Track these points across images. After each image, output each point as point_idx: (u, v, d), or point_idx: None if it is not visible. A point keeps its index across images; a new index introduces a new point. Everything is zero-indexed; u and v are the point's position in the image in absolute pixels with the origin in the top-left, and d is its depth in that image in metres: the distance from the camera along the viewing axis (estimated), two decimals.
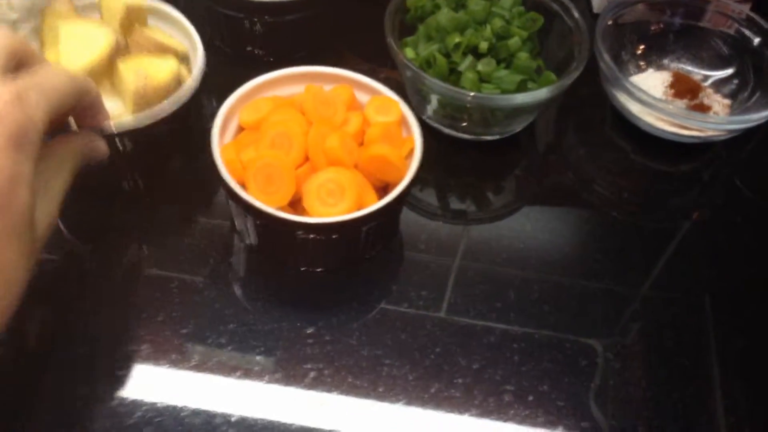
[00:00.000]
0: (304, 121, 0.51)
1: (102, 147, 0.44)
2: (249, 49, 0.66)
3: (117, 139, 0.49)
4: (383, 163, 0.49)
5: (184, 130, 0.54)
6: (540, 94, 0.55)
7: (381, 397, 0.48)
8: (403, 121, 0.53)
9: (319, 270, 0.54)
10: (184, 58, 0.53)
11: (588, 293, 0.54)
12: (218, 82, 0.56)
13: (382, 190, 0.52)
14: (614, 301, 0.54)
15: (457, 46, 0.57)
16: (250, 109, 0.53)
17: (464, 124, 0.60)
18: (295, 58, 0.58)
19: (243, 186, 0.48)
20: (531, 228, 0.59)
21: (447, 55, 0.58)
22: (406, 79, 0.59)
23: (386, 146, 0.49)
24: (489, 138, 0.63)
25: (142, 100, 0.47)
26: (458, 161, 0.63)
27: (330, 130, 0.50)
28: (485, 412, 0.47)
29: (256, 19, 0.62)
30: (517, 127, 0.62)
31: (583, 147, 0.66)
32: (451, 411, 0.47)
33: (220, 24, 0.64)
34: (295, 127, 0.50)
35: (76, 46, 0.48)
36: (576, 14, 0.61)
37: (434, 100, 0.58)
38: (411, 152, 0.51)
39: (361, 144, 0.52)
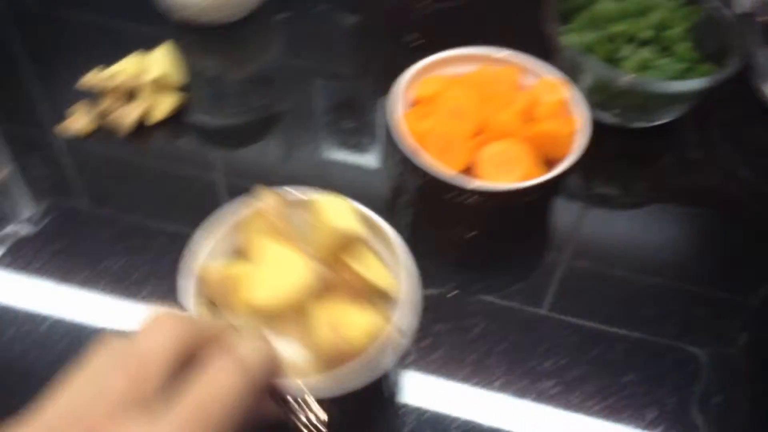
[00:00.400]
0: (478, 97, 0.54)
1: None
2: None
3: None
4: (553, 138, 0.52)
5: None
6: (698, 83, 0.57)
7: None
8: (569, 102, 0.56)
9: (473, 234, 0.57)
10: (388, 299, 0.43)
11: (700, 299, 0.54)
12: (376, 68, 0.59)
13: (545, 166, 0.55)
14: (725, 309, 0.53)
15: (620, 34, 0.59)
16: (425, 84, 0.57)
17: (616, 110, 0.63)
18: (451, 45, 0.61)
19: (419, 151, 0.52)
20: (657, 227, 0.59)
21: (608, 42, 0.60)
22: (563, 65, 0.62)
23: (556, 123, 0.52)
24: (637, 126, 0.65)
25: (329, 359, 0.39)
26: (604, 147, 0.65)
27: (502, 105, 0.54)
28: (582, 408, 0.48)
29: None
30: (668, 117, 0.64)
31: (729, 144, 0.67)
32: (548, 403, 0.48)
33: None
34: (470, 102, 0.53)
35: (273, 273, 0.39)
36: (729, 10, 0.63)
37: (590, 84, 0.61)
38: (577, 130, 0.54)
39: (529, 121, 0.55)
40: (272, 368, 0.32)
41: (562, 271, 0.55)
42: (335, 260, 0.41)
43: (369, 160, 0.62)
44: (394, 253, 0.43)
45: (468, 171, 0.53)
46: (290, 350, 0.39)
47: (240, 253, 0.43)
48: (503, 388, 0.48)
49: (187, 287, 0.40)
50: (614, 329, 0.52)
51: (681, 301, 0.54)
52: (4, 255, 0.54)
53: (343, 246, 0.40)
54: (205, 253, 0.42)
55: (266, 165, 0.62)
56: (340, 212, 0.41)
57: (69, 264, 0.54)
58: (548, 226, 0.59)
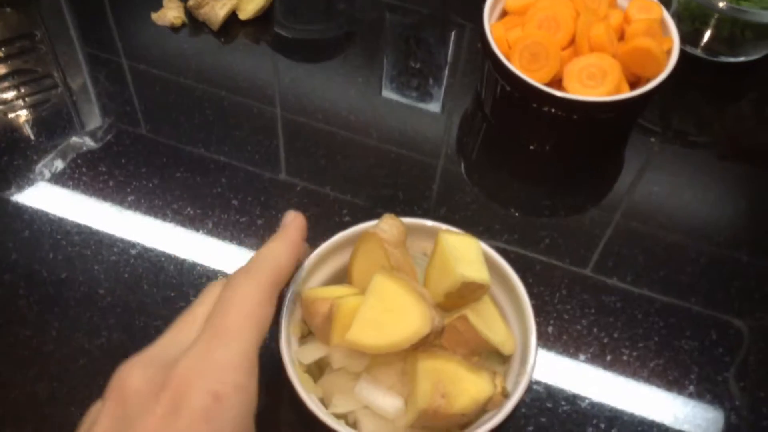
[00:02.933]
0: (572, 8, 0.54)
1: None
2: None
3: None
4: (645, 55, 0.52)
5: None
6: None
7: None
8: (662, 22, 0.55)
9: (545, 150, 0.57)
10: (500, 356, 0.38)
11: (749, 271, 0.53)
12: None
13: (631, 87, 0.55)
14: None
15: None
16: None
17: (705, 41, 0.62)
18: None
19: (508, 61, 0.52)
20: (714, 180, 0.58)
21: None
22: None
23: (650, 39, 0.52)
24: (722, 60, 0.64)
25: (427, 424, 0.35)
26: (687, 79, 0.64)
27: (596, 19, 0.53)
28: (618, 369, 0.48)
29: None
30: (755, 53, 0.63)
31: None
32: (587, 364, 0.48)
33: None
34: (564, 12, 0.53)
35: (385, 312, 0.34)
36: None
37: (682, 10, 0.60)
38: (669, 51, 0.54)
39: (620, 39, 0.55)
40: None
41: (613, 228, 0.55)
42: (451, 306, 0.36)
43: (441, 80, 0.63)
44: (518, 307, 0.38)
45: (554, 83, 0.53)
46: (384, 401, 0.35)
47: (345, 280, 0.39)
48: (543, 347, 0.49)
49: (286, 307, 0.37)
50: (655, 294, 0.51)
51: (730, 271, 0.53)
52: (65, 167, 0.56)
53: (464, 294, 0.35)
54: (312, 275, 0.39)
55: (331, 93, 0.61)
56: (468, 256, 0.36)
57: (122, 184, 0.55)
58: (620, 160, 0.59)
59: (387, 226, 0.37)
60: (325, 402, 0.36)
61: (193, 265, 0.50)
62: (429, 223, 0.40)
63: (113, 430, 0.28)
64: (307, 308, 0.36)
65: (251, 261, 0.34)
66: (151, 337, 0.46)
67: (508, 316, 0.39)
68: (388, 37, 0.66)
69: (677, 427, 0.46)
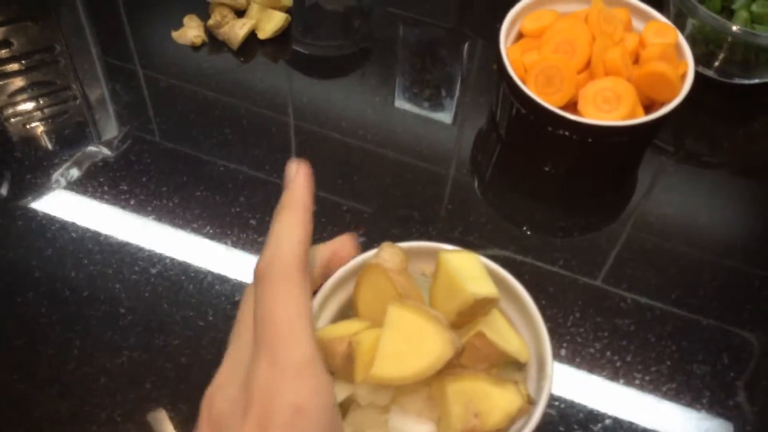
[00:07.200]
0: (588, 32, 0.54)
1: None
2: None
3: None
4: (661, 79, 0.52)
5: None
6: None
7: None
8: (677, 46, 0.56)
9: (559, 172, 0.58)
10: (520, 366, 0.39)
11: (762, 292, 0.53)
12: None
13: (645, 111, 0.56)
14: None
15: None
16: (533, 18, 0.57)
17: (717, 64, 0.62)
18: None
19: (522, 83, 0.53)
20: (734, 198, 0.58)
21: None
22: (672, 12, 0.62)
23: (665, 64, 0.52)
24: (737, 82, 0.64)
25: None
26: (701, 101, 0.64)
27: (612, 43, 0.54)
28: (631, 393, 0.48)
29: None
30: None
31: None
32: (596, 373, 0.49)
33: None
34: (579, 36, 0.54)
35: (404, 342, 0.33)
36: None
37: (696, 33, 0.61)
38: (684, 75, 0.54)
39: (635, 63, 0.55)
40: None
41: (627, 249, 0.55)
42: (462, 324, 0.36)
43: (455, 97, 0.64)
44: (525, 313, 0.39)
45: (569, 107, 0.54)
46: (417, 426, 0.35)
47: (351, 313, 0.39)
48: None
49: None
50: (668, 307, 0.52)
51: (744, 292, 0.53)
52: (81, 176, 0.57)
53: (475, 310, 0.35)
54: (320, 311, 0.38)
55: (347, 109, 0.62)
56: (473, 272, 0.36)
57: (143, 202, 0.55)
58: (634, 180, 0.59)
59: (388, 255, 0.36)
60: None
61: (212, 284, 0.51)
62: (426, 244, 0.40)
63: None
64: (324, 349, 0.35)
65: (269, 250, 0.31)
66: (170, 356, 0.48)
67: (516, 324, 0.39)
68: (403, 52, 0.67)
69: None
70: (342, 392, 0.35)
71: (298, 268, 0.30)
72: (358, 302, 0.38)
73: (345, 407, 0.36)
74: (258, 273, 0.31)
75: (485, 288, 0.36)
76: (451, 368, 0.34)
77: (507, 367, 0.38)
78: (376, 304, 0.36)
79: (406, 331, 0.33)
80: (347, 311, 0.39)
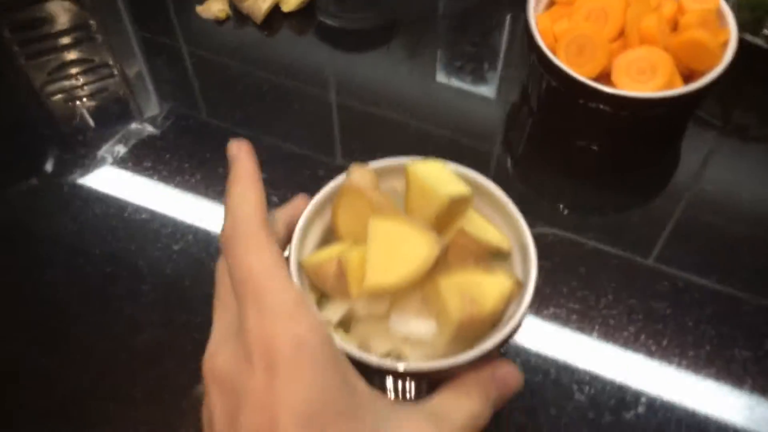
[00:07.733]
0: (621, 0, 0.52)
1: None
2: None
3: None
4: (699, 48, 0.49)
5: None
6: None
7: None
8: (719, 12, 0.52)
9: (594, 147, 0.55)
10: (505, 258, 0.40)
11: None
12: None
13: (684, 81, 0.53)
14: None
15: None
16: None
17: (765, 30, 0.59)
18: None
19: (553, 54, 0.51)
20: None
21: None
22: None
23: (704, 32, 0.49)
24: None
25: (465, 333, 0.36)
26: (747, 70, 0.61)
27: (648, 10, 0.51)
28: (666, 379, 0.47)
29: None
30: None
31: None
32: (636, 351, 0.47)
33: None
34: (613, 2, 0.51)
35: (391, 251, 0.35)
36: None
37: (740, 0, 0.57)
38: (725, 43, 0.51)
39: (673, 30, 0.52)
40: None
41: (676, 219, 0.53)
42: (444, 226, 0.37)
43: (489, 71, 0.61)
44: (498, 207, 0.39)
45: (602, 78, 0.51)
46: (418, 328, 0.36)
47: (333, 236, 0.39)
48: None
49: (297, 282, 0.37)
50: (707, 288, 0.49)
51: None
52: (126, 153, 0.57)
53: (452, 211, 0.37)
54: (303, 242, 0.39)
55: (378, 80, 0.61)
56: (443, 177, 0.38)
57: (182, 168, 0.56)
58: (676, 155, 0.56)
59: (359, 174, 0.38)
60: (364, 350, 0.36)
61: None
62: (392, 160, 0.40)
63: (229, 410, 0.28)
64: (314, 274, 0.36)
65: (228, 219, 0.32)
66: (191, 334, 0.47)
67: (493, 220, 0.40)
68: (441, 24, 0.65)
69: None
70: (340, 310, 0.36)
71: (262, 225, 0.31)
72: (339, 225, 0.38)
73: (346, 324, 0.37)
74: (224, 241, 0.31)
75: (458, 188, 0.37)
76: (439, 268, 0.35)
77: (492, 260, 0.38)
78: (355, 223, 0.37)
79: (391, 240, 0.35)
80: (329, 237, 0.40)
